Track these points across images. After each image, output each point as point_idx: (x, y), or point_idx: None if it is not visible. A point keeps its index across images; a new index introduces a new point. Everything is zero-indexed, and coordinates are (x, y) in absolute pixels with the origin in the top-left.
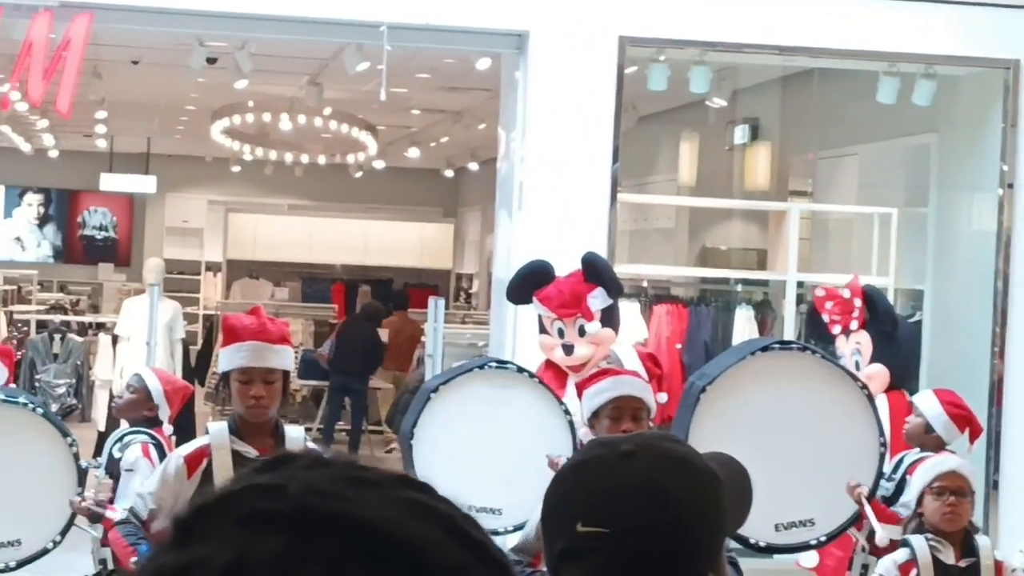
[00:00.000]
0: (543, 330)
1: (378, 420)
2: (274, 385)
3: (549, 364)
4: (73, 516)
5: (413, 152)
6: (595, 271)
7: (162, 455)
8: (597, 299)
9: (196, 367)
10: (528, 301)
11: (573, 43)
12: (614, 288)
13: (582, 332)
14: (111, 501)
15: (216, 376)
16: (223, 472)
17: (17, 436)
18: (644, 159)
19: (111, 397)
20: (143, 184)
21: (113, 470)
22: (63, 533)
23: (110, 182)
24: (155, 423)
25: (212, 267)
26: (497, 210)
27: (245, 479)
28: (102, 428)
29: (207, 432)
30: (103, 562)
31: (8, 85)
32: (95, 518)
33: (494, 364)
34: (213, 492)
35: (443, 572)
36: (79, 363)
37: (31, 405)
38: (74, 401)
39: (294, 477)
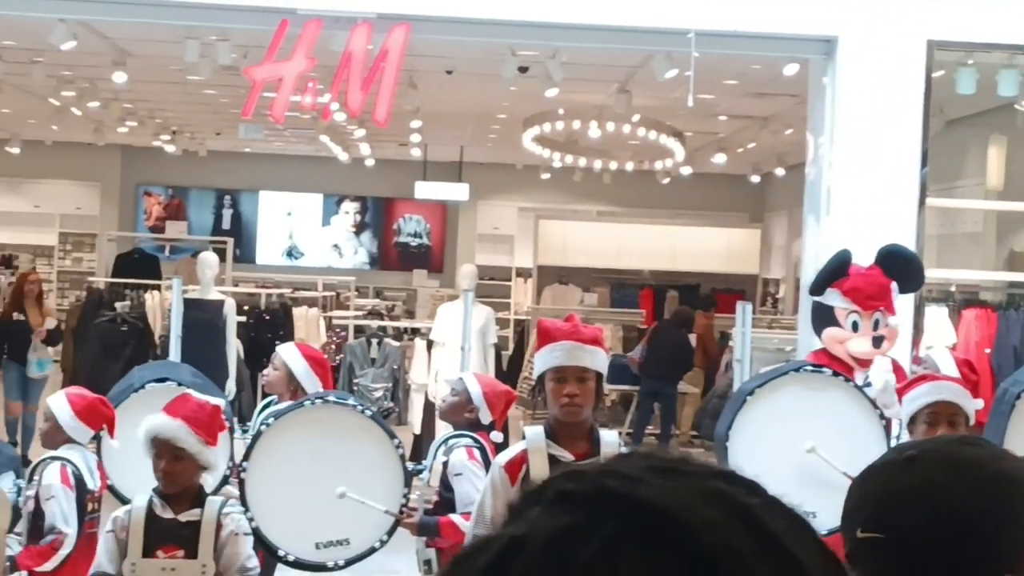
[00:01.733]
0: (831, 323)
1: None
2: (587, 384)
3: (819, 357)
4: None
5: (720, 158)
6: (900, 263)
7: (485, 458)
8: (895, 293)
9: (508, 372)
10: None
11: (881, 48)
12: (918, 280)
13: (875, 326)
14: (437, 504)
15: (528, 381)
16: (540, 475)
17: (347, 437)
18: (951, 163)
19: (426, 401)
20: (456, 192)
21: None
22: (390, 533)
23: (424, 190)
24: (478, 426)
25: (522, 273)
26: (804, 215)
27: (567, 467)
28: (417, 431)
29: (523, 437)
30: (427, 563)
31: (328, 96)
32: (424, 531)
33: (809, 368)
34: (539, 480)
35: (717, 555)
36: (396, 367)
37: (360, 407)
38: (391, 404)
39: (603, 464)
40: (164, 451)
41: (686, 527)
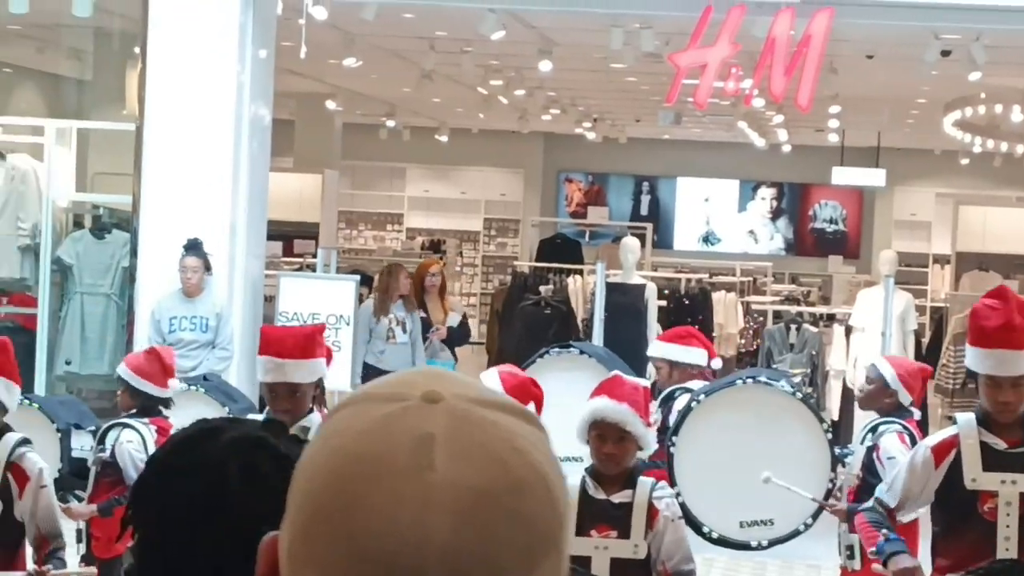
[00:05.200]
0: None
1: None
2: (1021, 389)
3: None
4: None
5: None
6: None
7: (914, 444)
8: None
9: (926, 358)
10: None
11: None
12: None
13: None
14: (859, 488)
15: (945, 368)
16: (971, 462)
17: (777, 418)
18: None
19: (844, 387)
20: (873, 177)
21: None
22: (815, 516)
23: (841, 176)
24: (901, 411)
25: (939, 259)
26: None
27: None
28: (835, 417)
29: (954, 423)
30: (850, 548)
31: (750, 81)
32: (852, 518)
33: None
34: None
35: None
36: (814, 353)
37: (792, 390)
38: (809, 390)
39: None
40: (610, 433)
41: None
